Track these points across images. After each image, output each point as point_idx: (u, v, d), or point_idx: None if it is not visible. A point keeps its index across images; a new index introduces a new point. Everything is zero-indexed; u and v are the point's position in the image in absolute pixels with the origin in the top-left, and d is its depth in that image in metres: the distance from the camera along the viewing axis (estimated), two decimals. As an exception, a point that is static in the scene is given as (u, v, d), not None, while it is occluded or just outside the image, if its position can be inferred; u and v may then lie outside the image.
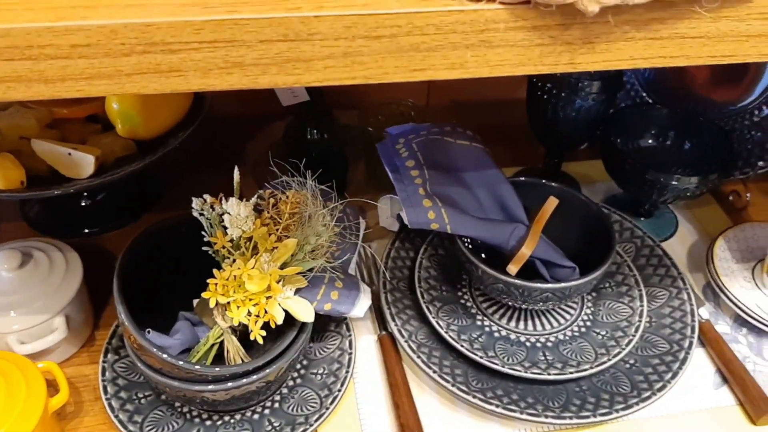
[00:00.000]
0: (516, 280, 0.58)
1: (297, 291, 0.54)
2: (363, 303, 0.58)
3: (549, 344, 0.63)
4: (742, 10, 0.32)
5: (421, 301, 0.64)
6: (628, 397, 0.58)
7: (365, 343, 0.65)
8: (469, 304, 0.66)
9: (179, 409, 0.57)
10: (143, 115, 0.65)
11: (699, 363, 0.64)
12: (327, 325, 0.64)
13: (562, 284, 0.58)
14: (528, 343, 0.63)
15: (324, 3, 0.29)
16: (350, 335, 0.63)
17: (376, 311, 0.66)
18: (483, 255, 0.65)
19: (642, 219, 0.77)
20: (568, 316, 0.65)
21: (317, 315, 0.56)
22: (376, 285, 0.67)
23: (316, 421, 0.56)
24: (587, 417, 0.57)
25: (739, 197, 0.78)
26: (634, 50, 0.32)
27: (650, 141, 0.75)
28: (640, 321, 0.63)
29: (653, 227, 0.76)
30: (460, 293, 0.67)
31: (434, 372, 0.59)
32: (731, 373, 0.62)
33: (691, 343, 0.62)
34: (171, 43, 0.29)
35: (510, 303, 0.62)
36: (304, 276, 0.54)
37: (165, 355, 0.50)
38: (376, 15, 0.29)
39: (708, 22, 0.32)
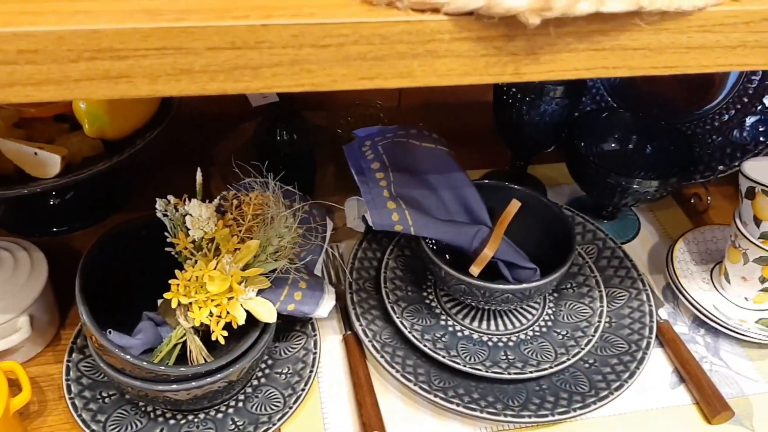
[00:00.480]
0: (477, 281, 0.59)
1: (260, 292, 0.54)
2: (327, 304, 0.59)
3: (510, 344, 0.64)
4: (682, 23, 0.33)
5: (386, 302, 0.64)
6: (586, 396, 0.60)
7: (331, 343, 0.65)
8: (433, 304, 0.67)
9: (143, 408, 0.58)
10: (110, 115, 0.65)
11: (657, 363, 0.66)
12: (292, 325, 0.64)
13: (522, 285, 0.59)
14: (490, 343, 0.64)
15: (272, 12, 0.30)
16: (315, 335, 0.63)
17: (342, 311, 0.67)
18: (447, 256, 0.66)
19: (605, 221, 0.78)
20: (530, 316, 0.67)
21: (283, 315, 0.57)
22: (342, 285, 0.68)
23: (279, 420, 0.57)
24: (546, 416, 0.58)
25: (700, 200, 0.80)
26: (577, 61, 0.33)
27: (613, 145, 0.77)
28: (599, 321, 0.65)
29: (616, 229, 0.77)
30: (425, 293, 0.68)
31: (397, 371, 0.60)
32: (688, 372, 0.63)
33: (648, 344, 0.64)
34: (119, 50, 0.29)
35: (473, 303, 0.63)
36: (267, 277, 0.55)
37: (126, 356, 0.50)
38: (323, 24, 0.30)
39: (649, 34, 0.33)
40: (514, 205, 0.65)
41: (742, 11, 0.33)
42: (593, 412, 0.60)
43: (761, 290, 0.66)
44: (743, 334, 0.65)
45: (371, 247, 0.72)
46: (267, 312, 0.53)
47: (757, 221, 0.63)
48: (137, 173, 0.80)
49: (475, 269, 0.62)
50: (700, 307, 0.67)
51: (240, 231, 0.54)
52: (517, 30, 0.31)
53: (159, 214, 0.55)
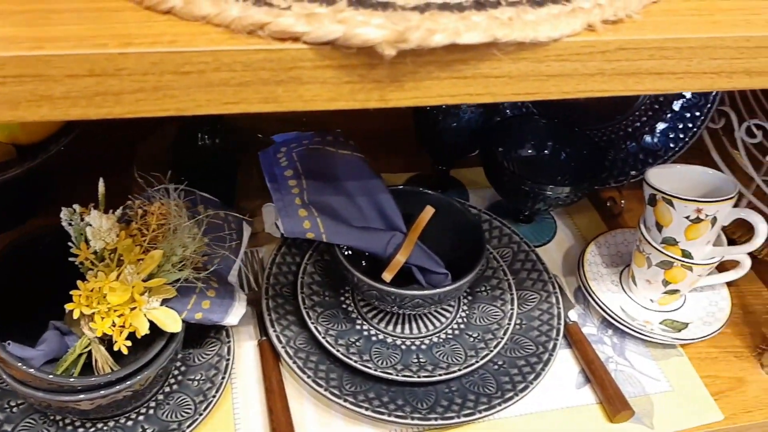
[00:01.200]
0: (387, 288, 0.60)
1: (166, 301, 0.55)
2: (237, 311, 0.59)
3: (423, 347, 0.65)
4: (540, 52, 0.34)
5: (301, 307, 0.65)
6: (492, 397, 0.61)
7: (247, 348, 0.66)
8: (350, 308, 0.68)
9: (51, 418, 0.58)
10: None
11: (565, 363, 0.68)
12: (207, 331, 0.65)
13: (431, 291, 0.61)
14: (403, 346, 0.65)
15: (131, 40, 0.30)
16: (229, 341, 0.64)
17: (259, 317, 0.67)
18: (363, 262, 0.67)
19: (523, 224, 0.80)
20: (443, 319, 0.68)
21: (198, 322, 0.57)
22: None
23: (189, 427, 0.57)
24: (452, 418, 0.59)
25: (615, 204, 0.82)
26: (441, 88, 0.34)
27: (530, 151, 0.79)
28: (509, 324, 0.67)
29: (533, 232, 0.79)
30: (342, 298, 0.69)
31: (308, 377, 0.61)
32: (592, 373, 0.66)
33: (555, 345, 0.66)
34: (-26, 77, 0.29)
35: (387, 308, 0.64)
36: (173, 286, 0.55)
37: (26, 367, 0.50)
38: (183, 52, 0.30)
39: (509, 63, 0.34)
40: (428, 212, 0.67)
41: (597, 41, 0.34)
42: (500, 413, 0.62)
43: (665, 292, 0.69)
44: (646, 335, 0.68)
45: (290, 251, 0.72)
46: (171, 322, 0.53)
47: (659, 227, 0.66)
48: (57, 178, 0.79)
49: (387, 275, 0.63)
50: (607, 309, 0.69)
51: (144, 241, 0.54)
52: (379, 59, 0.32)
53: (64, 224, 0.55)
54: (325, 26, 0.31)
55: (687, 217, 0.63)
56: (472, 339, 0.66)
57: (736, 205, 0.77)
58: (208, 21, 0.32)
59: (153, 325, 0.54)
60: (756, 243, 0.64)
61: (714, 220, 0.63)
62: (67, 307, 0.52)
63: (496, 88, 0.35)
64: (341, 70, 0.32)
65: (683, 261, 0.65)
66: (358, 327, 0.66)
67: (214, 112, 0.33)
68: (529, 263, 0.74)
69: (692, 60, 0.36)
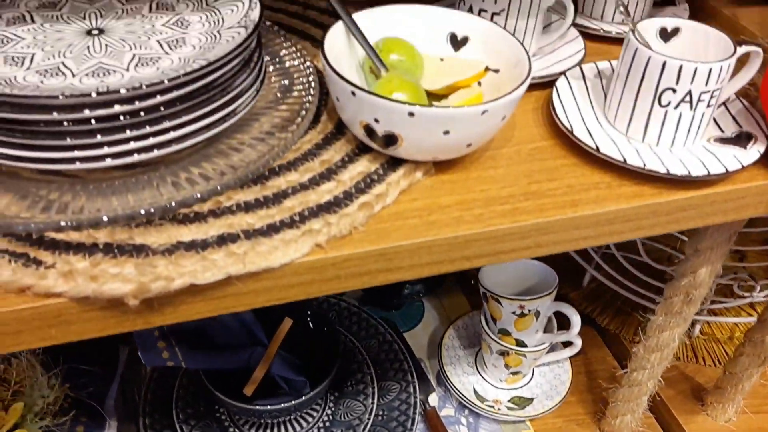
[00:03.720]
0: (244, 405, 0.67)
1: (34, 446, 0.60)
2: (109, 439, 0.66)
3: (290, 449, 0.72)
4: (278, 273, 0.40)
5: (175, 422, 0.71)
6: (350, 493, 0.68)
7: (129, 464, 0.72)
8: (223, 417, 0.74)
9: None
10: None
11: (424, 447, 0.75)
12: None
13: (285, 405, 0.67)
14: (272, 450, 0.72)
15: None
16: (109, 462, 0.70)
17: (143, 434, 0.73)
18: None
19: (394, 311, 0.87)
20: (310, 419, 0.75)
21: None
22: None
23: None
24: None
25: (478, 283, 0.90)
26: (197, 308, 0.41)
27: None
28: (369, 419, 0.74)
29: (402, 317, 0.86)
30: (217, 406, 0.75)
31: (179, 492, 0.67)
32: (445, 456, 0.73)
33: (409, 435, 0.73)
34: None
35: (252, 419, 0.71)
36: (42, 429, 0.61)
37: None
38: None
39: (252, 283, 0.40)
40: (286, 324, 0.73)
41: (325, 258, 0.41)
42: (362, 504, 0.69)
43: (509, 374, 0.77)
44: (495, 416, 0.75)
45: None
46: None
47: (494, 320, 0.73)
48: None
49: (248, 390, 0.70)
50: (461, 393, 0.77)
51: (8, 395, 0.60)
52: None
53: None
54: (79, 285, 0.37)
55: (513, 312, 0.71)
56: (335, 436, 0.73)
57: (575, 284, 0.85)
58: (-15, 283, 0.38)
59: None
60: (573, 332, 0.72)
61: (537, 313, 0.71)
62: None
63: (247, 300, 0.42)
64: (104, 311, 0.39)
65: (516, 349, 0.73)
66: (230, 435, 0.73)
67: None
68: (392, 353, 0.81)
69: (413, 257, 0.43)
